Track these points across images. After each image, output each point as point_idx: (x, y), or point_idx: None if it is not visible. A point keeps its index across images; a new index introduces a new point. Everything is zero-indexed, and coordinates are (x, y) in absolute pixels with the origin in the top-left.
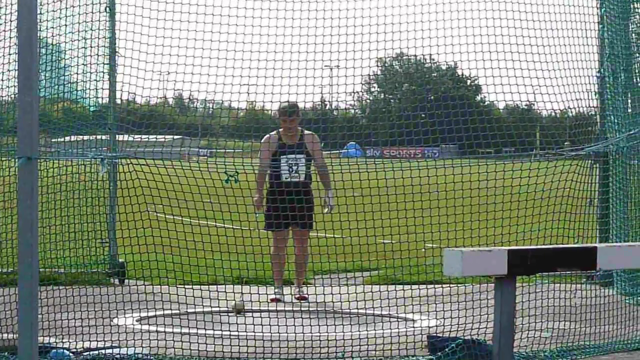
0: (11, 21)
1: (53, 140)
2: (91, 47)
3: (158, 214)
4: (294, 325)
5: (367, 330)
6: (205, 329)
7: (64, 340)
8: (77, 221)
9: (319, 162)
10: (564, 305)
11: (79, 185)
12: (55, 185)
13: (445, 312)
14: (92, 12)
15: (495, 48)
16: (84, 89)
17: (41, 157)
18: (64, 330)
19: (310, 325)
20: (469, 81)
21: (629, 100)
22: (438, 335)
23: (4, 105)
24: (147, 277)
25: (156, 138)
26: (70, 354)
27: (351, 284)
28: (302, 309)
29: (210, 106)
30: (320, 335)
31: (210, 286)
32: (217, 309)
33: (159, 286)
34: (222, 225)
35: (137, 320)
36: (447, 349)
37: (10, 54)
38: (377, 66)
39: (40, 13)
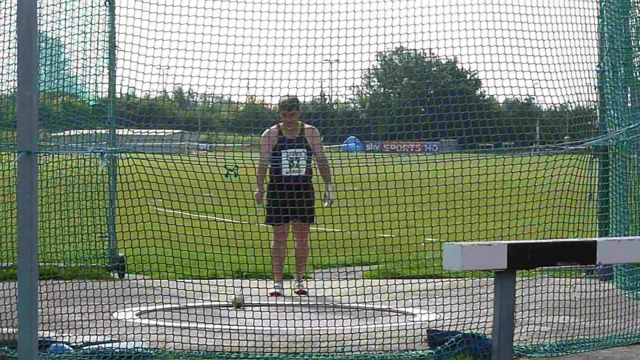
0: (11, 15)
1: (53, 134)
2: (91, 41)
3: (158, 208)
4: (293, 319)
5: (366, 325)
6: (205, 323)
7: (63, 335)
8: (76, 215)
9: (319, 156)
10: (563, 300)
11: (79, 180)
12: (55, 180)
13: (445, 306)
14: (92, 6)
15: (495, 42)
16: (84, 83)
17: (41, 151)
18: (64, 325)
19: (310, 319)
20: (468, 75)
21: (629, 95)
22: (438, 329)
23: (3, 99)
24: (146, 272)
25: (156, 132)
26: (70, 348)
27: (351, 278)
28: (302, 303)
29: (210, 100)
30: (319, 330)
31: (209, 280)
32: (217, 303)
33: (159, 280)
34: (222, 219)
35: (136, 315)
36: (446, 343)
37: (10, 48)
38: (377, 60)
39: (40, 7)
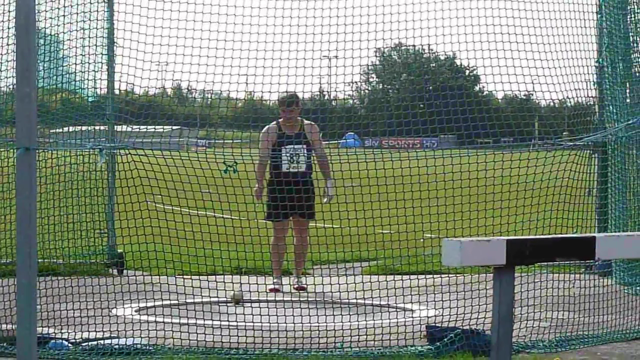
0: (9, 12)
1: (51, 130)
2: (89, 37)
3: (157, 205)
4: (292, 315)
5: (365, 321)
6: (204, 319)
7: (62, 331)
8: (75, 212)
9: (319, 152)
10: (562, 295)
11: (78, 176)
12: (54, 176)
13: (444, 302)
14: (90, 3)
15: (494, 38)
16: (83, 79)
17: (39, 147)
18: (63, 321)
19: (309, 315)
20: (467, 71)
21: (628, 90)
22: (437, 325)
23: (2, 95)
24: (145, 268)
25: (155, 128)
26: (69, 345)
27: (350, 274)
28: (301, 299)
29: (209, 96)
30: (319, 326)
31: (209, 276)
32: (216, 299)
33: (158, 276)
34: (221, 215)
35: (135, 311)
36: (445, 339)
37: (8, 45)
38: (376, 56)
39: (39, 3)
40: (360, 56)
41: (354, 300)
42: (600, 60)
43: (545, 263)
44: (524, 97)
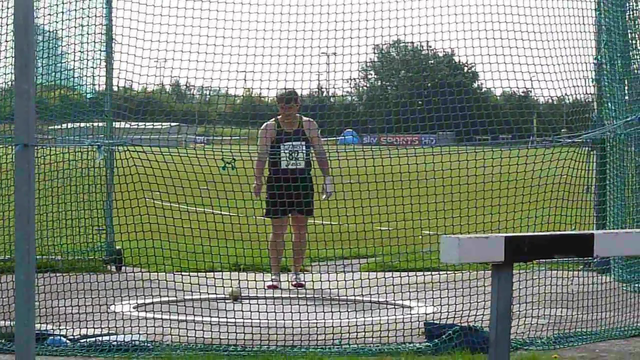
0: (8, 8)
1: (50, 127)
2: (88, 34)
3: (155, 201)
4: (290, 312)
5: (364, 317)
6: (203, 316)
7: (61, 327)
8: (74, 208)
9: (318, 148)
10: (561, 292)
11: (76, 172)
12: (52, 173)
13: (442, 299)
14: None
15: (493, 35)
16: (81, 76)
17: (38, 144)
18: (61, 318)
19: (307, 312)
20: (466, 68)
21: (626, 88)
22: (435, 322)
23: (1, 92)
24: (144, 264)
25: (153, 125)
26: (68, 341)
27: (348, 271)
28: (299, 296)
29: (207, 93)
30: (317, 322)
31: (207, 273)
32: (214, 295)
33: (156, 273)
34: (219, 212)
35: (134, 307)
36: (444, 336)
37: (7, 41)
38: (374, 53)
39: (37, 0)
40: (358, 53)
41: (352, 297)
42: (599, 57)
43: (544, 260)
44: (523, 94)
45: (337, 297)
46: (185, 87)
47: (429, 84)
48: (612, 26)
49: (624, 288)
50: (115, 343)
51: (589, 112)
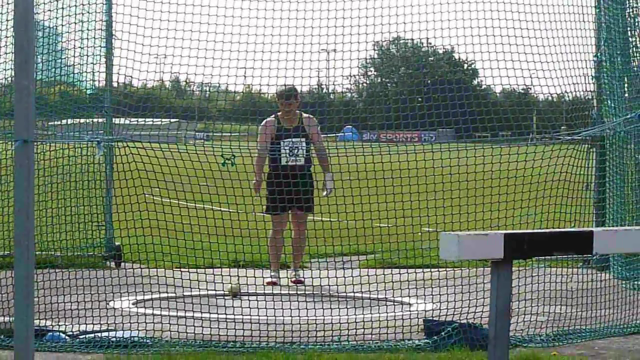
0: (8, 4)
1: (50, 123)
2: (88, 30)
3: (154, 197)
4: (290, 308)
5: (363, 314)
6: (202, 312)
7: (60, 323)
8: (73, 204)
9: (318, 145)
10: (560, 290)
11: (76, 168)
12: (52, 168)
13: (441, 296)
14: None
15: (492, 32)
16: (81, 72)
17: (38, 140)
18: (60, 313)
19: (306, 308)
20: (465, 65)
21: (626, 85)
22: (434, 319)
23: (0, 88)
24: (143, 261)
25: (153, 121)
26: (66, 337)
27: (348, 267)
28: (299, 292)
29: (207, 89)
30: (316, 319)
31: (206, 269)
32: (213, 292)
33: (155, 269)
34: (219, 208)
35: (133, 304)
36: (443, 333)
37: (7, 37)
38: (374, 50)
39: None
40: (358, 50)
41: (352, 294)
42: (599, 54)
43: (543, 257)
44: (522, 91)
45: (337, 294)
46: (185, 83)
47: (429, 81)
48: (612, 23)
49: (623, 285)
50: (114, 339)
51: (589, 109)
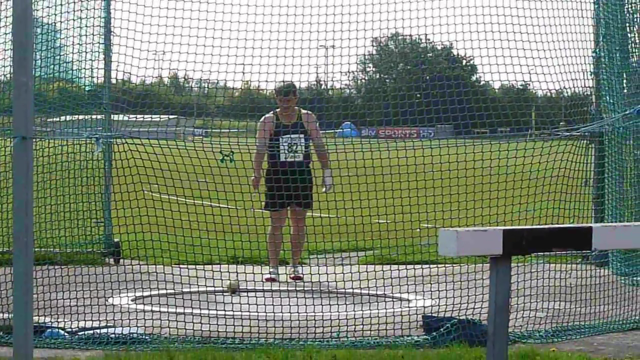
0: (7, 0)
1: (48, 119)
2: (87, 26)
3: (153, 194)
4: (289, 305)
5: (362, 310)
6: (200, 309)
7: (59, 320)
8: (72, 201)
9: (317, 141)
10: (559, 286)
11: (74, 165)
12: (51, 165)
13: (440, 292)
14: None
15: (491, 28)
16: (79, 68)
17: (36, 136)
18: (59, 310)
19: (305, 305)
20: (464, 61)
21: (625, 81)
22: (433, 315)
23: None
24: (142, 257)
25: (151, 118)
26: (65, 334)
27: (346, 263)
28: (297, 288)
29: (206, 86)
30: (315, 315)
31: (205, 266)
32: (212, 288)
33: (154, 266)
34: (217, 205)
35: (132, 300)
36: (442, 329)
37: (6, 34)
38: (373, 46)
39: None
40: (357, 46)
41: (351, 290)
42: (598, 50)
43: (542, 253)
44: (521, 87)
45: (336, 290)
46: (183, 79)
47: (428, 77)
48: (611, 19)
49: (622, 281)
50: (113, 335)
51: (588, 105)
